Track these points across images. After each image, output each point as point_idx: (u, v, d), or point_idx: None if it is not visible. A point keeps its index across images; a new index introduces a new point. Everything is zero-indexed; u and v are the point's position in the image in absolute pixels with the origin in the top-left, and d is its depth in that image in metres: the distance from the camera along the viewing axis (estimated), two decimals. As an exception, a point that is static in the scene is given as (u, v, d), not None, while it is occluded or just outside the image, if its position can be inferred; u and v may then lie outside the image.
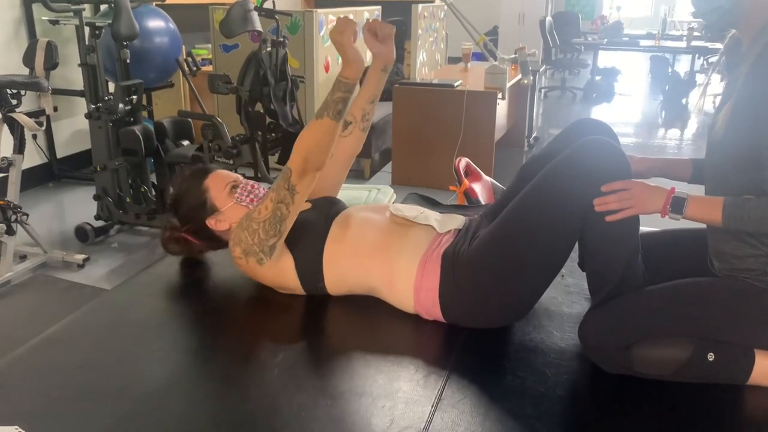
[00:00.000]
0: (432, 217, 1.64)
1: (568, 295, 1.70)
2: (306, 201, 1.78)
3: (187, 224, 1.72)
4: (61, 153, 4.52)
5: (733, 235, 1.36)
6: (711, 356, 1.32)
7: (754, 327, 1.35)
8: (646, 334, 1.35)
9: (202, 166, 1.77)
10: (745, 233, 1.34)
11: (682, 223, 1.43)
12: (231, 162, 3.18)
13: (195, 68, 3.66)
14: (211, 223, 1.67)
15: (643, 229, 1.45)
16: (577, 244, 1.49)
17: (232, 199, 1.67)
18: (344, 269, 1.59)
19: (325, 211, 1.68)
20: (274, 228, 1.53)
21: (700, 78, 8.10)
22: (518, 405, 1.26)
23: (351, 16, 4.95)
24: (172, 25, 4.05)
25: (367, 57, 2.28)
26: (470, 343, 1.47)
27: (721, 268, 1.41)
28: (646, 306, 1.38)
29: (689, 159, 1.64)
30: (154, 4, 4.28)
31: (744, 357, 1.34)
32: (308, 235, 1.60)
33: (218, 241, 1.72)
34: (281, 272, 1.59)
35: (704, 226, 1.44)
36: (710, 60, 8.96)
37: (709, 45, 7.63)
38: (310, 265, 1.59)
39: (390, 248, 1.56)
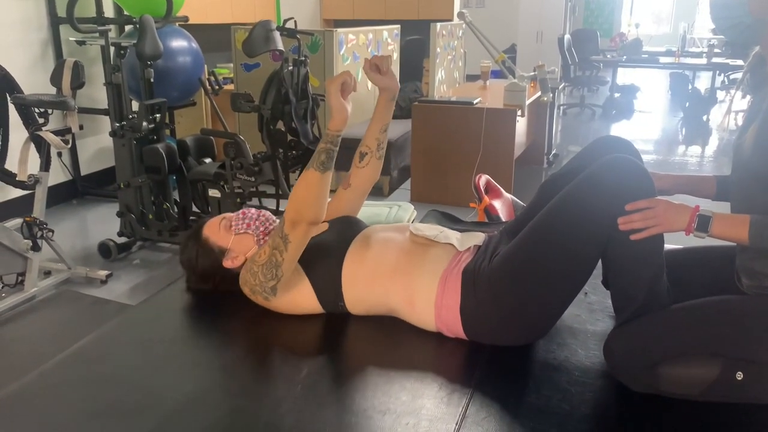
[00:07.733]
0: (453, 236, 1.64)
1: (591, 313, 1.69)
2: (323, 222, 1.79)
3: (212, 280, 1.73)
4: (85, 170, 4.60)
5: (763, 252, 1.34)
6: (740, 375, 1.30)
7: (784, 346, 1.32)
8: (672, 353, 1.33)
9: (193, 227, 1.78)
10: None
11: (708, 241, 1.41)
12: (253, 179, 3.21)
13: (217, 87, 3.71)
14: (228, 264, 1.68)
15: (667, 246, 1.44)
16: (600, 262, 1.48)
17: (231, 233, 1.69)
18: (364, 290, 1.59)
19: (344, 231, 1.69)
20: (271, 272, 1.55)
21: (720, 95, 8.03)
22: (543, 423, 1.25)
23: (370, 35, 5.01)
24: (194, 45, 4.11)
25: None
26: (493, 360, 1.46)
27: (749, 286, 1.40)
28: (672, 324, 1.36)
29: (713, 176, 1.63)
30: (177, 24, 4.36)
31: (773, 376, 1.31)
32: (326, 255, 1.61)
33: None
34: (295, 300, 1.61)
35: (730, 243, 1.43)
36: (731, 77, 8.91)
37: (730, 62, 7.59)
38: (328, 285, 1.60)
39: (410, 269, 1.56)
